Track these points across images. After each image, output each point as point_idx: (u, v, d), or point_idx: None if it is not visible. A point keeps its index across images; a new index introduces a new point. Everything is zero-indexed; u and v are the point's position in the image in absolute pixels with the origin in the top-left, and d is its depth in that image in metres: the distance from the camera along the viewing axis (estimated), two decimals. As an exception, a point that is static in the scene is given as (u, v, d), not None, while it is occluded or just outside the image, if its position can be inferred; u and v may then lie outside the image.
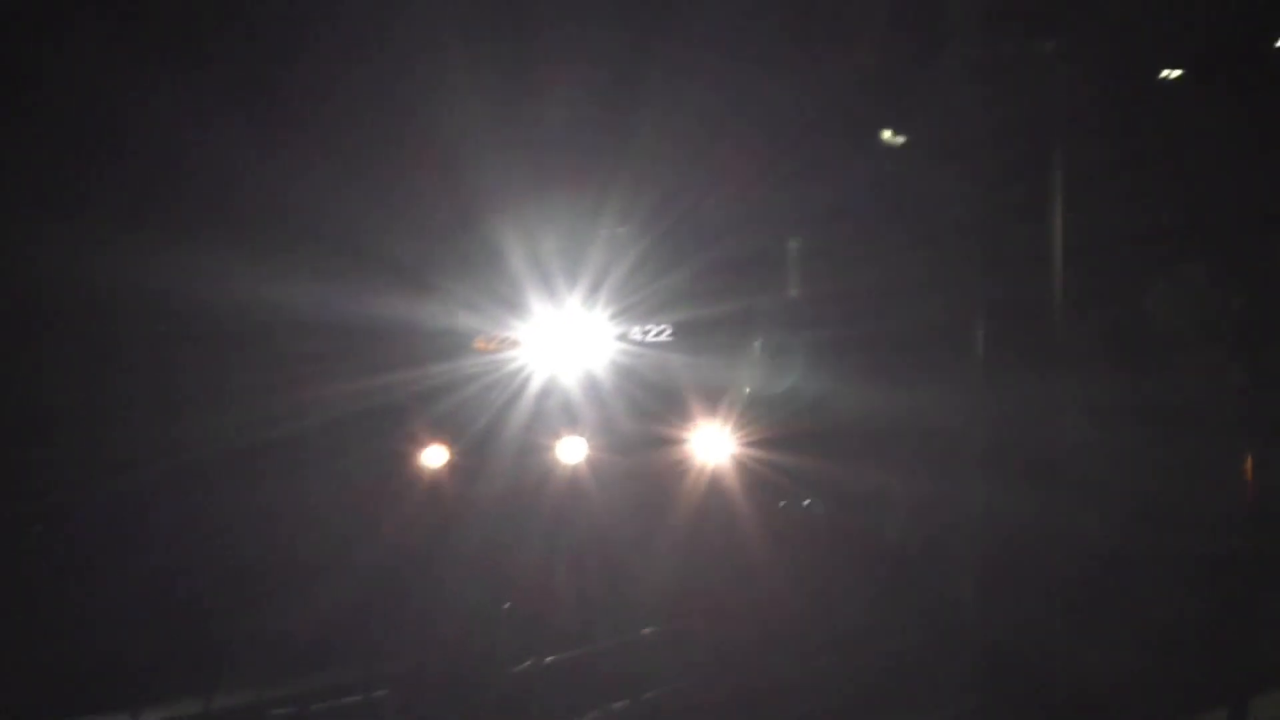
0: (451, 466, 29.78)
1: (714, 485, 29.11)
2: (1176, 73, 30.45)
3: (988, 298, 22.66)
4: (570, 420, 29.32)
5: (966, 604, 27.27)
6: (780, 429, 29.27)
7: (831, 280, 30.40)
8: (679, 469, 29.22)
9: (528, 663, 26.25)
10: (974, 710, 25.31)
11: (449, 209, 29.39)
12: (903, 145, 32.96)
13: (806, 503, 30.05)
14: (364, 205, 29.88)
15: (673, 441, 29.34)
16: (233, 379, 31.11)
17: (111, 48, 30.24)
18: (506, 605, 27.08)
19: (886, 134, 33.42)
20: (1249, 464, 31.35)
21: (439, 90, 30.08)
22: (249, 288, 29.87)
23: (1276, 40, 28.84)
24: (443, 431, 29.77)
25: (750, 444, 29.17)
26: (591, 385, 29.35)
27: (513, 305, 29.45)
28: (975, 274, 24.59)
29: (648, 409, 29.14)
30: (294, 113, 31.26)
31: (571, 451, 29.27)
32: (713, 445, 29.19)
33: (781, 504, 29.67)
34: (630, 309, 29.37)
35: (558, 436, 29.34)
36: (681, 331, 29.40)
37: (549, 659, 26.25)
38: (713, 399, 29.13)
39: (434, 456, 29.80)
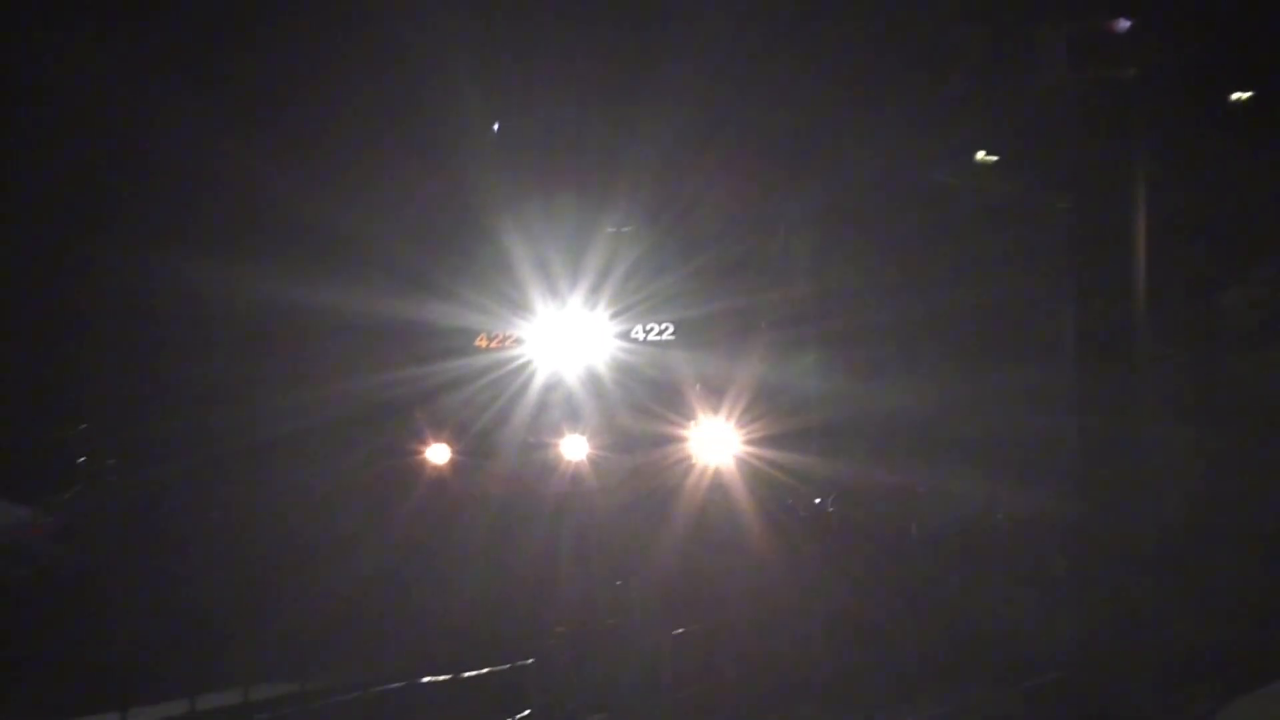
0: (452, 464, 29.80)
1: (717, 483, 29.08)
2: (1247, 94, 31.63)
3: (1076, 301, 23.68)
4: (572, 418, 29.34)
5: (1059, 579, 29.09)
6: (793, 426, 29.25)
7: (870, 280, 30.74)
8: (682, 467, 29.23)
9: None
10: (1066, 679, 26.50)
11: (453, 209, 29.44)
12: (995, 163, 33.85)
13: (817, 501, 30.07)
14: (369, 206, 29.91)
15: (675, 439, 29.34)
16: (233, 378, 31.17)
17: (126, 56, 30.33)
18: (619, 582, 26.89)
19: (980, 154, 34.25)
20: None
21: (444, 92, 30.12)
22: (250, 288, 29.90)
23: None
24: (444, 429, 29.79)
25: (755, 441, 29.15)
26: (593, 383, 29.37)
27: (515, 304, 29.47)
28: (1063, 280, 25.38)
29: (649, 407, 29.15)
30: (299, 116, 31.29)
31: (573, 449, 29.29)
32: (716, 443, 29.16)
33: (789, 503, 29.65)
34: (632, 308, 29.39)
35: (560, 434, 29.35)
36: (684, 329, 29.42)
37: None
38: (716, 396, 29.12)
39: (435, 454, 29.83)
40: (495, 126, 30.41)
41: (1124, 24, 21.13)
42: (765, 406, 29.25)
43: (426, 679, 24.04)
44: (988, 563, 30.95)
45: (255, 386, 31.06)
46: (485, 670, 24.56)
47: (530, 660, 24.80)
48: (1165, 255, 25.90)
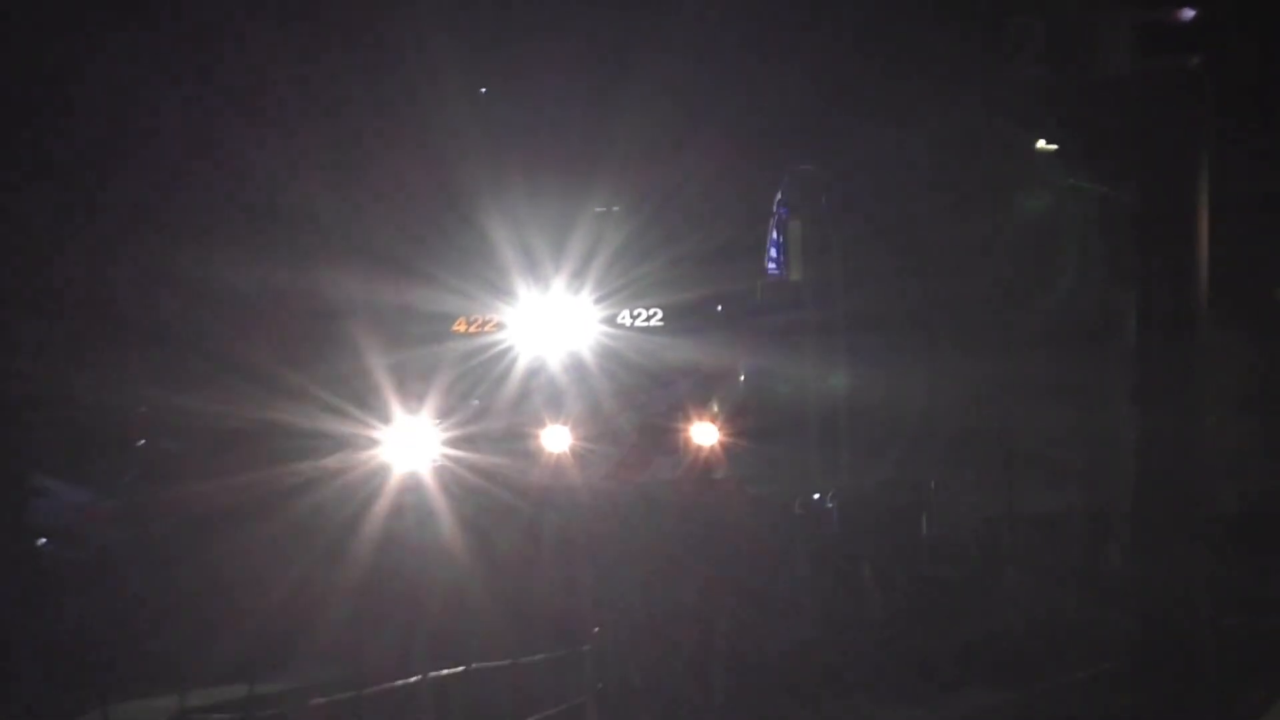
0: (429, 452, 28.45)
1: (706, 475, 28.02)
2: None
3: (1139, 291, 23.45)
4: (555, 407, 28.06)
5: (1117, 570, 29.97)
6: (785, 418, 28.33)
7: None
8: (669, 460, 28.12)
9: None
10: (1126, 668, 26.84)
11: (431, 189, 27.99)
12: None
13: (815, 497, 29.19)
14: (344, 187, 28.45)
15: (662, 430, 28.19)
16: (199, 364, 29.98)
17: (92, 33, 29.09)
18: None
19: (1041, 143, 33.77)
20: None
21: (424, 67, 28.74)
22: (223, 270, 28.69)
23: None
24: (421, 416, 28.39)
25: (744, 434, 28.11)
26: (577, 370, 28.11)
27: (496, 288, 28.12)
28: (1128, 267, 25.11)
29: (636, 397, 27.96)
30: (275, 95, 29.98)
31: (555, 440, 28.02)
32: (704, 435, 28.08)
33: (798, 502, 28.76)
34: (619, 292, 28.14)
35: (541, 424, 28.06)
36: (673, 315, 28.22)
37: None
38: (708, 386, 27.99)
39: (413, 441, 28.43)
40: (483, 90, 28.98)
41: (1189, 13, 20.50)
42: (761, 397, 28.25)
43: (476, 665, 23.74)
44: (1016, 558, 30.95)
45: (216, 374, 30.00)
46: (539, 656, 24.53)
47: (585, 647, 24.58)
48: (1228, 243, 25.86)
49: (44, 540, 30.71)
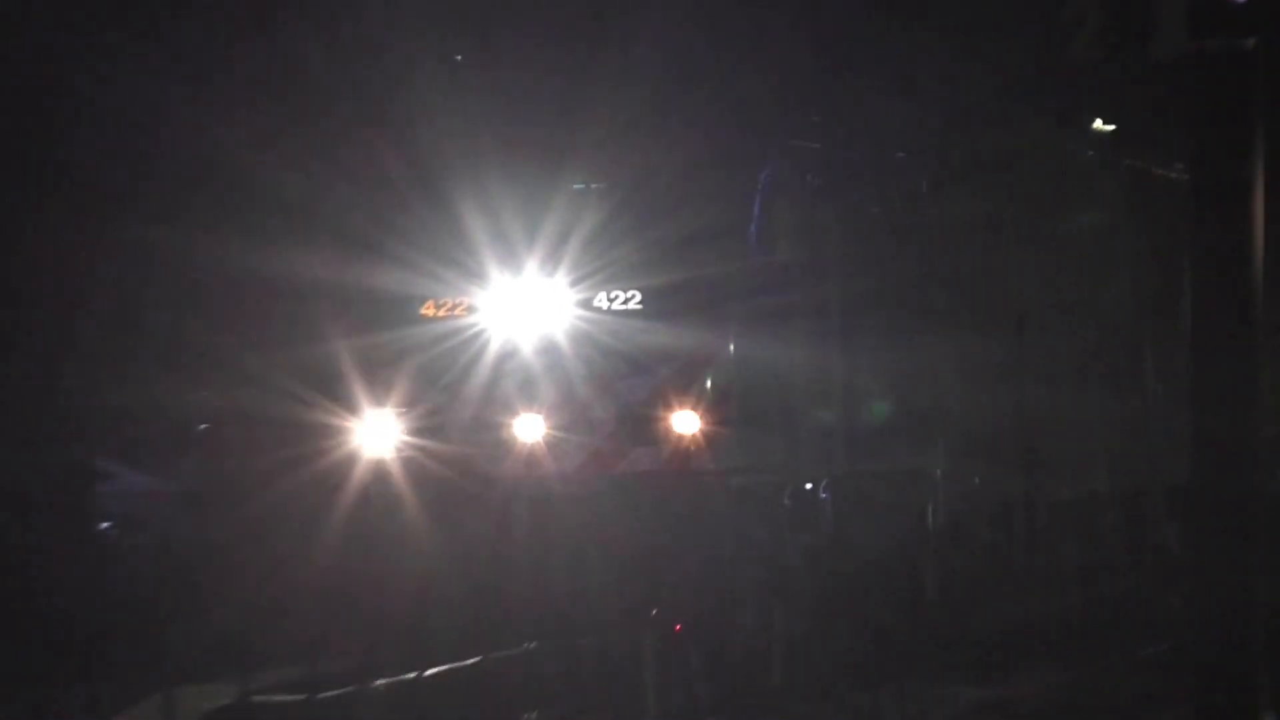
0: (394, 441, 27.30)
1: (687, 466, 26.80)
2: None
3: (1192, 283, 22.75)
4: (527, 394, 26.81)
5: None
6: (773, 405, 27.12)
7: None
8: (648, 450, 26.90)
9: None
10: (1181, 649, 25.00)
11: (399, 166, 26.73)
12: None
13: (808, 487, 28.02)
14: (306, 163, 27.24)
15: (640, 419, 26.96)
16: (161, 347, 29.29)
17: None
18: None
19: (1098, 123, 33.16)
20: None
21: (392, 42, 27.53)
22: (184, 250, 27.84)
23: None
24: (386, 403, 27.20)
25: (729, 422, 26.86)
26: (551, 355, 26.85)
27: (465, 269, 26.85)
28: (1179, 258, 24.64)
29: (613, 383, 26.70)
30: (239, 72, 28.96)
31: (528, 429, 26.76)
32: (685, 423, 26.81)
33: (786, 493, 27.62)
34: (596, 274, 26.83)
35: (513, 412, 26.82)
36: (653, 297, 26.92)
37: None
38: (690, 372, 26.72)
39: (377, 429, 27.25)
40: (458, 58, 27.70)
41: None
42: (746, 383, 26.97)
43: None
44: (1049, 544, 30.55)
45: (181, 357, 29.43)
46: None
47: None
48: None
49: (107, 524, 31.06)
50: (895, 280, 30.22)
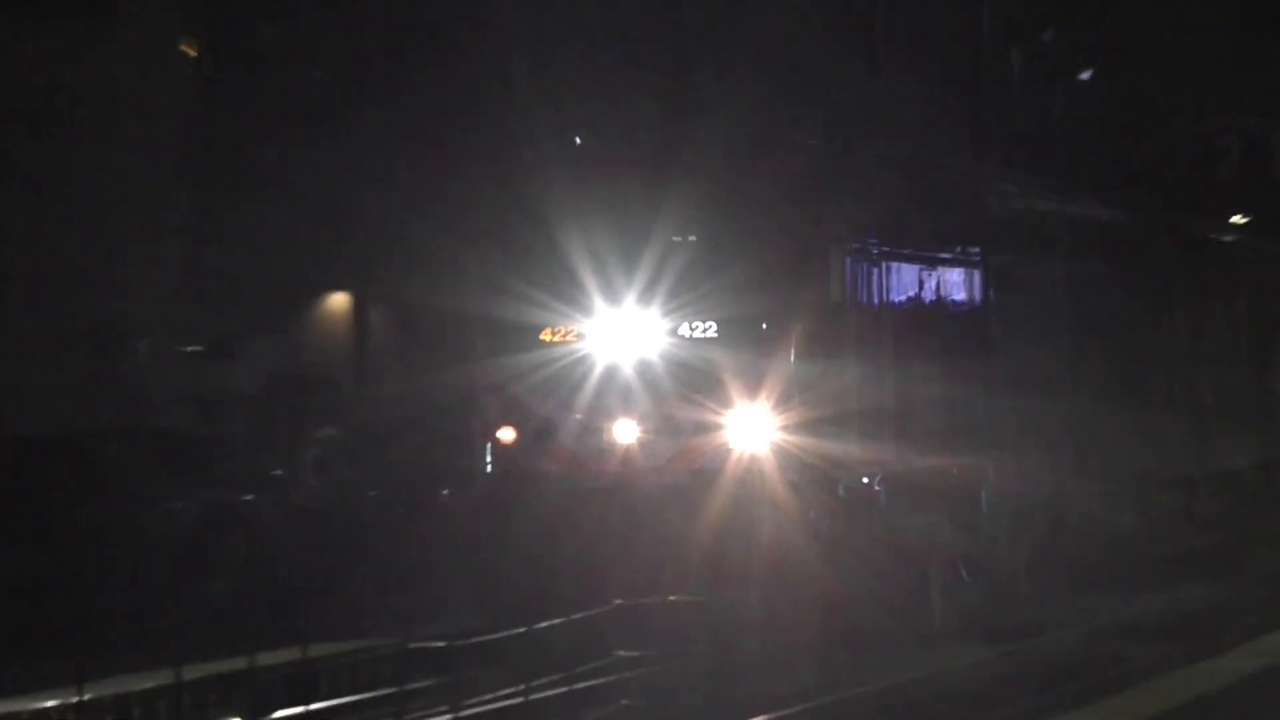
0: (519, 446, 33.35)
1: (754, 466, 32.44)
2: None
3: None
4: (625, 405, 32.85)
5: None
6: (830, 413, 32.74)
7: None
8: (722, 451, 32.61)
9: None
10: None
11: (523, 223, 33.10)
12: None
13: (864, 480, 33.40)
14: (454, 221, 33.50)
15: (716, 425, 32.72)
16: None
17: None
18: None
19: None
20: None
21: (515, 110, 33.46)
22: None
23: None
24: (512, 414, 33.36)
25: (791, 427, 32.46)
26: (645, 374, 32.88)
27: (576, 303, 33.05)
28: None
29: (693, 396, 32.60)
30: (365, 121, 34.45)
31: (624, 432, 32.78)
32: (754, 430, 32.51)
33: (841, 485, 33.10)
34: (681, 307, 32.91)
35: (614, 419, 32.86)
36: (726, 327, 32.88)
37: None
38: (754, 388, 32.52)
39: (504, 435, 33.38)
40: (578, 140, 34.14)
41: None
42: (805, 396, 32.57)
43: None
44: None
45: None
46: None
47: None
48: None
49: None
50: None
